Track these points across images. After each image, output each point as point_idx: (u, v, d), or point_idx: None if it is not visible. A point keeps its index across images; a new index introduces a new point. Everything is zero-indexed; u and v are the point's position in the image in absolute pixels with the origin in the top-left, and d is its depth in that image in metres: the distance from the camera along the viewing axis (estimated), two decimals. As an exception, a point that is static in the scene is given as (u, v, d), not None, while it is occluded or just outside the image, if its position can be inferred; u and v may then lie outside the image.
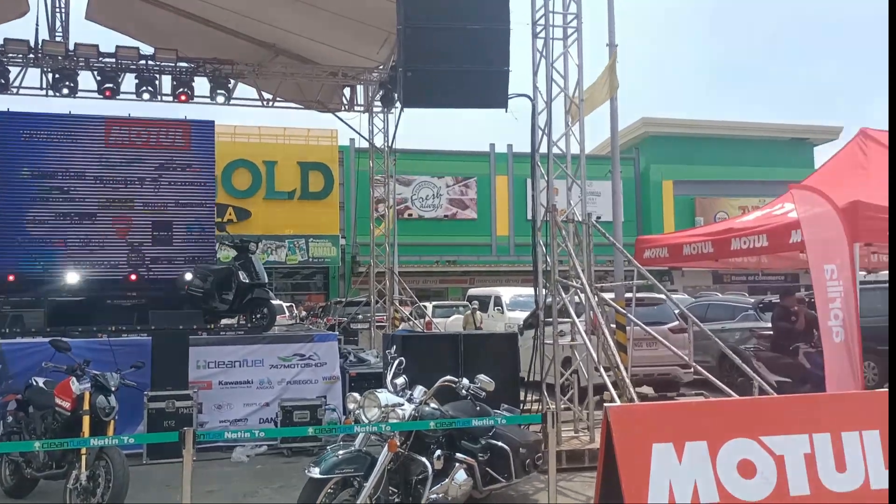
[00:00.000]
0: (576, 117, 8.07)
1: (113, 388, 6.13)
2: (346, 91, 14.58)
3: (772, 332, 10.70)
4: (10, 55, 12.00)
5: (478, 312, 18.16)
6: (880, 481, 5.16)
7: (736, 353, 7.89)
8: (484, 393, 5.63)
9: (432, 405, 5.47)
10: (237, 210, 30.39)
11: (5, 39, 11.89)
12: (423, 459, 5.16)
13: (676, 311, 11.02)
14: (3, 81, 11.98)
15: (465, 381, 5.59)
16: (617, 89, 9.34)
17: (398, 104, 13.25)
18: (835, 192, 7.47)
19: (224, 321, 10.74)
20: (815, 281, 7.10)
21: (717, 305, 15.02)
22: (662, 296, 9.60)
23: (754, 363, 9.16)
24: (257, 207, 30.97)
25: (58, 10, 12.58)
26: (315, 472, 4.73)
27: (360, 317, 16.38)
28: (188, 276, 10.91)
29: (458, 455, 5.56)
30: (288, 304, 25.68)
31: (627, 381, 6.61)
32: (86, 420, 5.85)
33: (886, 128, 9.26)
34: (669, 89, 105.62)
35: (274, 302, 10.74)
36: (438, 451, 5.32)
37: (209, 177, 13.24)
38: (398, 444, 4.98)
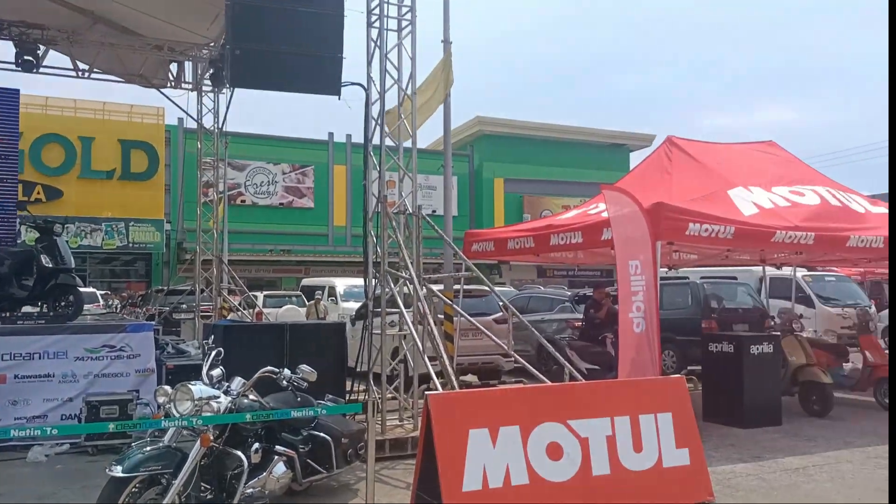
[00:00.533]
0: (414, 112, 8.13)
1: None
2: (174, 67, 13.76)
3: (582, 323, 11.45)
4: None
5: (322, 303, 17.84)
6: (672, 460, 5.67)
7: (551, 343, 8.36)
8: (306, 383, 5.55)
9: (251, 397, 5.30)
10: (46, 189, 27.84)
11: None
12: (239, 453, 4.99)
13: (500, 303, 11.47)
14: None
15: (287, 371, 5.48)
16: (451, 85, 9.55)
17: (229, 84, 12.74)
18: (642, 194, 8.09)
19: (26, 309, 9.77)
20: (619, 275, 7.67)
21: (537, 298, 15.83)
22: (488, 288, 9.95)
23: (568, 352, 9.77)
24: (70, 187, 28.52)
25: None
26: (117, 471, 4.41)
27: (184, 306, 15.55)
28: (-17, 261, 9.81)
29: (278, 447, 5.44)
30: (102, 292, 23.87)
31: (450, 370, 6.77)
32: None
33: (694, 137, 10.18)
34: (504, 90, 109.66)
35: (83, 289, 9.92)
36: (256, 445, 5.17)
37: (12, 150, 11.98)
38: (212, 438, 4.77)
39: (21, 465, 7.08)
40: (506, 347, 8.36)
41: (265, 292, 22.10)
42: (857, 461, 7.30)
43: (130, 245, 30.09)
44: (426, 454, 5.27)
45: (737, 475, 6.78)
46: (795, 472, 6.92)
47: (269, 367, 5.36)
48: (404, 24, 8.23)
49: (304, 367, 5.49)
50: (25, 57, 11.81)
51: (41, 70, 12.26)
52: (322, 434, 5.82)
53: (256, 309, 15.63)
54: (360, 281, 19.43)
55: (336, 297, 19.32)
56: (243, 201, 33.17)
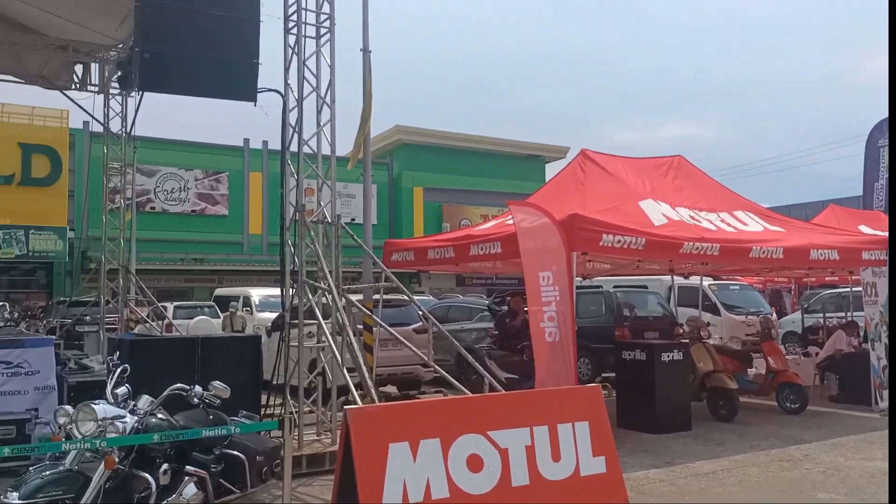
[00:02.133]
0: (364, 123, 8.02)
1: None
2: (79, 68, 13.15)
3: (497, 332, 11.55)
4: None
5: (238, 314, 17.28)
6: (589, 468, 5.75)
7: (470, 352, 8.37)
8: (219, 400, 5.35)
9: (160, 416, 5.07)
10: (-63, 194, 26.09)
11: None
12: (147, 475, 4.76)
13: (420, 313, 11.45)
14: None
15: (199, 388, 5.26)
16: (371, 95, 9.48)
17: (138, 88, 12.27)
18: (558, 205, 8.25)
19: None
20: (528, 286, 7.77)
21: (457, 307, 15.89)
22: (408, 297, 9.90)
23: (487, 361, 9.81)
24: (-36, 193, 26.81)
25: None
26: (13, 498, 4.13)
27: (87, 318, 14.81)
28: None
29: (189, 468, 5.22)
30: (1, 303, 22.49)
31: (370, 382, 6.69)
32: None
33: (608, 152, 10.46)
34: (422, 100, 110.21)
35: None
36: (165, 465, 4.94)
37: None
38: (117, 459, 4.53)
39: None
40: (425, 358, 8.33)
41: (175, 303, 21.33)
42: (762, 464, 7.62)
43: (30, 254, 28.48)
44: (344, 470, 5.17)
45: (650, 481, 6.96)
46: (706, 476, 7.16)
47: (178, 384, 5.15)
48: (322, 31, 8.14)
49: (216, 383, 5.29)
50: (-88, 53, 11.04)
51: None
52: (235, 452, 5.61)
53: (166, 321, 15.06)
54: (276, 291, 19.03)
55: (251, 308, 18.84)
56: (153, 208, 32.00)
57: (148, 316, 14.15)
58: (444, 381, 10.42)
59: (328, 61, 8.10)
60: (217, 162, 34.17)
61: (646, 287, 16.22)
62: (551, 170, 42.45)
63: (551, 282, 7.60)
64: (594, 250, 8.16)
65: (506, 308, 11.48)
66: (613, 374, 11.02)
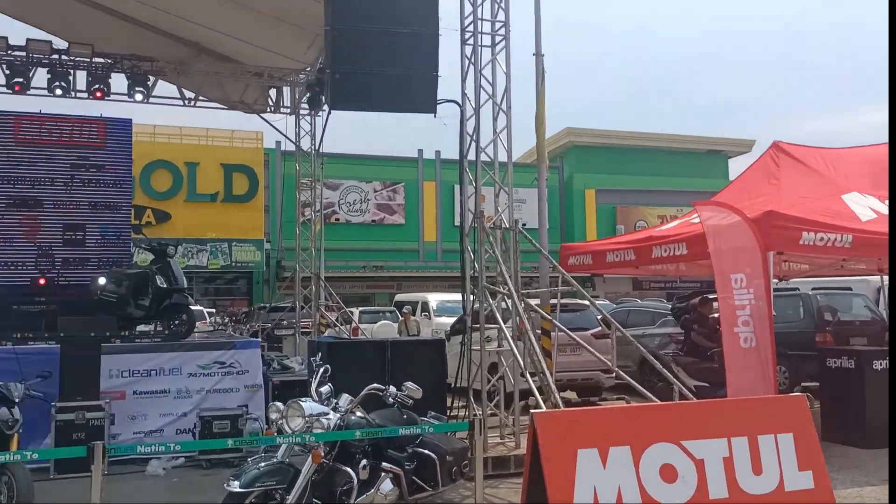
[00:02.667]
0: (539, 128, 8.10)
1: (17, 400, 5.78)
2: (273, 92, 14.30)
3: (683, 338, 11.01)
4: None
5: (412, 318, 17.96)
6: (795, 483, 5.35)
7: (656, 358, 8.08)
8: (411, 401, 5.57)
9: (358, 414, 5.37)
10: (156, 212, 29.32)
11: None
12: (349, 469, 5.05)
13: (599, 317, 11.22)
14: None
15: (392, 388, 5.51)
16: (544, 99, 9.48)
17: (325, 107, 13.11)
18: (749, 202, 7.75)
19: (141, 328, 10.30)
20: (719, 289, 7.32)
21: (637, 311, 15.40)
22: (585, 301, 9.76)
23: (674, 368, 9.43)
24: (178, 210, 29.99)
25: (-38, -1, 11.89)
26: (235, 486, 4.55)
27: (284, 323, 16.02)
28: (101, 281, 10.42)
29: (385, 464, 5.47)
30: (209, 310, 24.93)
31: (553, 386, 6.65)
32: (-14, 434, 5.49)
33: (803, 143, 9.71)
34: (592, 100, 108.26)
35: (194, 308, 10.37)
36: (364, 461, 5.21)
37: (126, 177, 12.70)
38: (322, 454, 4.85)
39: (141, 478, 7.40)
40: (609, 363, 8.15)
41: (360, 308, 22.50)
42: None
43: (233, 264, 31.32)
44: (533, 473, 5.17)
45: (864, 499, 6.35)
46: (931, 497, 6.41)
47: (375, 385, 5.41)
48: (498, 39, 8.24)
49: (409, 384, 5.51)
50: (137, 88, 12.53)
51: (150, 100, 12.96)
52: (427, 452, 5.80)
53: (353, 324, 15.94)
54: (452, 296, 19.62)
55: (429, 313, 19.46)
56: (337, 220, 33.98)
57: (337, 320, 15.05)
58: (626, 388, 10.18)
59: (503, 68, 8.19)
60: (394, 173, 35.70)
61: (850, 289, 14.80)
62: (735, 165, 40.09)
63: (744, 284, 7.15)
64: (792, 249, 7.58)
65: (691, 312, 10.95)
66: (813, 383, 10.18)
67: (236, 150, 31.21)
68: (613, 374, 8.96)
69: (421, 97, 7.87)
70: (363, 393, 5.33)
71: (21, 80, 11.83)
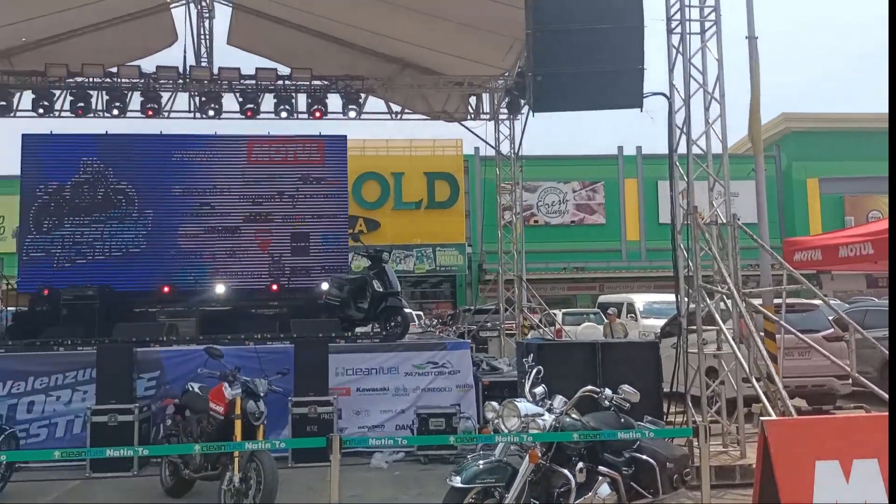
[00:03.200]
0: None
1: (261, 394, 6.39)
2: (472, 100, 14.67)
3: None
4: (162, 81, 12.93)
5: (618, 320, 17.50)
6: None
7: (905, 364, 7.19)
8: (628, 404, 5.40)
9: (573, 416, 5.31)
10: (367, 221, 31.28)
11: (157, 67, 12.85)
12: (566, 471, 5.01)
13: (831, 318, 10.22)
14: (156, 106, 12.90)
15: (608, 391, 5.39)
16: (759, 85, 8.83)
17: (524, 110, 13.21)
18: None
19: (358, 329, 11.01)
20: None
21: (876, 311, 13.81)
22: (814, 301, 8.94)
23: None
24: (386, 218, 31.75)
25: (203, 37, 13.45)
26: (457, 482, 4.70)
27: (488, 325, 16.35)
28: (325, 286, 11.28)
29: (601, 468, 5.36)
30: (417, 313, 26.12)
31: (783, 392, 6.15)
32: (237, 424, 6.12)
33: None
34: (809, 83, 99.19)
35: (406, 310, 10.89)
36: (580, 464, 5.14)
37: (342, 189, 13.70)
38: (539, 455, 4.86)
39: (365, 470, 7.89)
40: (847, 368, 7.38)
41: (563, 310, 22.36)
42: None
43: (438, 268, 32.56)
44: (764, 486, 4.81)
45: None
46: None
47: (590, 387, 5.32)
48: (707, 25, 7.81)
49: (626, 387, 5.35)
50: (350, 106, 13.42)
51: (362, 116, 13.81)
52: (645, 457, 5.60)
53: (556, 326, 15.87)
54: (659, 297, 18.89)
55: (635, 314, 18.88)
56: (536, 222, 34.06)
57: (540, 321, 15.07)
58: (864, 396, 9.17)
59: (715, 55, 7.74)
60: (592, 172, 35.10)
61: None
62: None
63: None
64: None
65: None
66: None
67: (437, 158, 32.43)
68: (849, 381, 8.11)
69: (627, 92, 7.68)
70: (578, 395, 5.26)
71: (252, 105, 13.14)
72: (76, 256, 12.69)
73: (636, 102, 7.63)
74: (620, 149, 35.46)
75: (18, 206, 12.94)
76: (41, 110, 12.69)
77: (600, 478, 5.27)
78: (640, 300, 19.10)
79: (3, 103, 12.64)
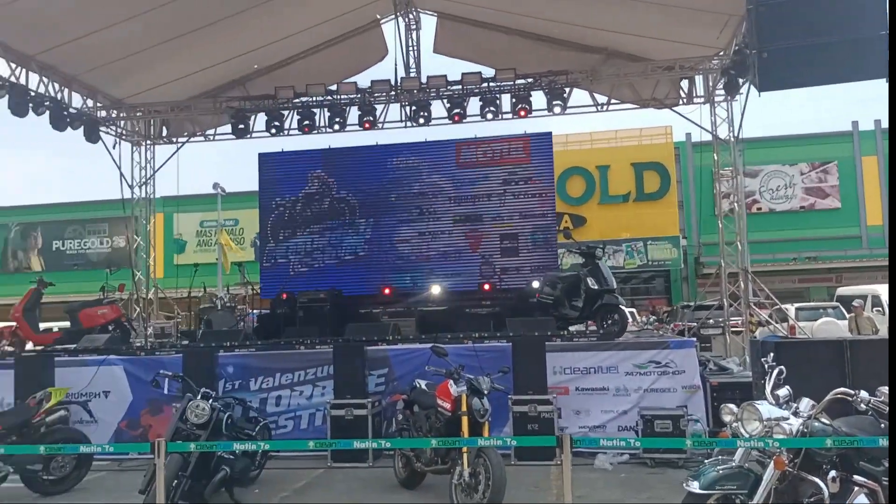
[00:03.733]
0: None
1: (485, 392, 6.52)
2: (684, 84, 13.97)
3: None
4: (377, 94, 13.74)
5: (866, 315, 15.66)
6: None
7: None
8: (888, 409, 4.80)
9: (823, 420, 4.82)
10: (573, 217, 30.93)
11: (372, 81, 13.70)
12: (816, 480, 4.56)
13: None
14: (371, 118, 13.74)
15: (864, 393, 4.82)
16: None
17: (743, 90, 12.32)
18: None
19: (573, 328, 10.88)
20: None
21: None
22: None
23: None
24: (592, 213, 31.15)
25: (411, 48, 14.10)
26: (694, 487, 4.45)
27: (710, 321, 15.43)
28: (537, 284, 11.29)
29: (856, 477, 4.82)
30: (630, 310, 25.31)
31: None
32: (465, 420, 6.29)
33: None
34: None
35: (623, 308, 10.56)
36: (833, 472, 4.66)
37: (549, 187, 13.66)
38: (786, 461, 4.46)
39: (589, 471, 7.74)
40: None
41: (795, 304, 20.53)
42: None
43: (649, 263, 31.38)
44: None
45: None
46: None
47: (842, 389, 4.80)
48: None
49: (884, 389, 4.77)
50: (555, 101, 13.33)
51: (567, 111, 13.66)
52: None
53: (790, 322, 14.64)
54: None
55: (882, 307, 16.89)
56: (759, 209, 31.62)
57: (770, 317, 13.97)
58: None
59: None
60: (822, 152, 31.90)
61: None
62: None
63: None
64: None
65: None
66: None
67: (645, 147, 31.22)
68: None
69: (867, 61, 6.84)
70: (828, 397, 4.76)
71: (459, 110, 13.58)
72: (308, 263, 13.87)
73: (879, 72, 6.74)
74: (855, 124, 31.91)
75: (258, 218, 14.41)
76: (273, 130, 14.07)
77: (856, 488, 4.74)
78: (887, 292, 17.00)
79: (242, 126, 14.15)
